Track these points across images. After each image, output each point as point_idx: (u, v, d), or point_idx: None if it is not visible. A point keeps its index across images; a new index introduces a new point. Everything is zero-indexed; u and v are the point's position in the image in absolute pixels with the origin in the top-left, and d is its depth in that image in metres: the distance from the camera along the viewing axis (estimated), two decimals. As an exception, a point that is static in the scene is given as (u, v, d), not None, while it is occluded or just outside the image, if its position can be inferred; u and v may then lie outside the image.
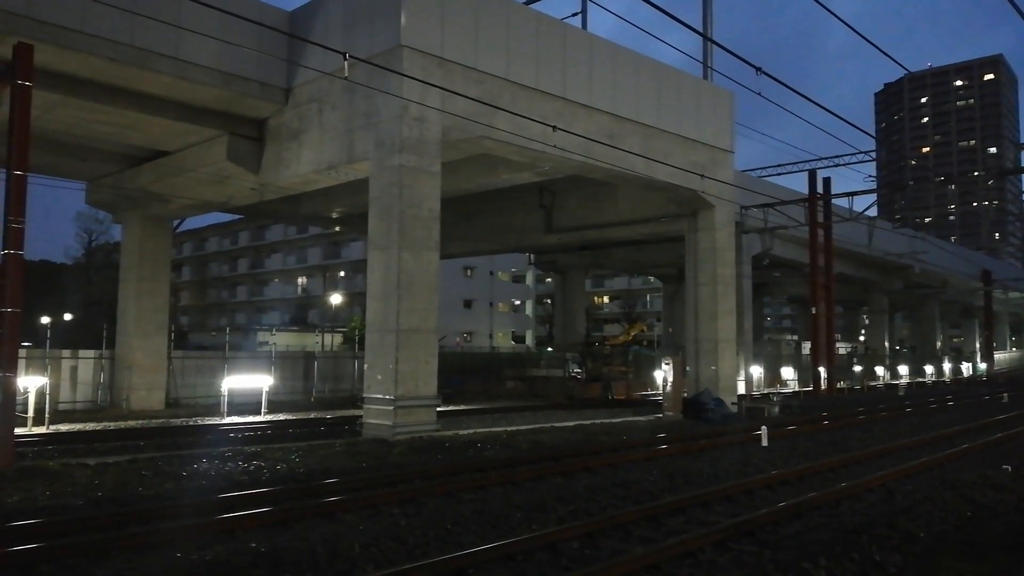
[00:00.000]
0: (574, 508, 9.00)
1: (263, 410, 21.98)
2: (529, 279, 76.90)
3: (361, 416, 17.06)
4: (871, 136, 27.68)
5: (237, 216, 49.97)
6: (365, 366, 17.18)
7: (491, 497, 9.65)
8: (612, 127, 20.34)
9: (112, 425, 19.60)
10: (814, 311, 31.63)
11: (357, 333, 34.64)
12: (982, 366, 58.48)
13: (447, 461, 12.68)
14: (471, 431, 16.93)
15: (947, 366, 53.48)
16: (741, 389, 27.29)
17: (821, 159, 46.46)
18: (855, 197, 29.59)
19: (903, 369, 44.67)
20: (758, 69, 11.55)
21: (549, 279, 64.73)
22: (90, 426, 19.30)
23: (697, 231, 24.55)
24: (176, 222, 29.34)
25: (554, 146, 16.88)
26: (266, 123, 19.84)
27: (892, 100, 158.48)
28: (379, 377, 16.25)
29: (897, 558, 7.02)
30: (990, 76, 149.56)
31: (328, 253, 70.46)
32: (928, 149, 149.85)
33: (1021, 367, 68.85)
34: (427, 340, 16.53)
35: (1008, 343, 75.97)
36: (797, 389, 35.85)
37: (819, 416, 21.57)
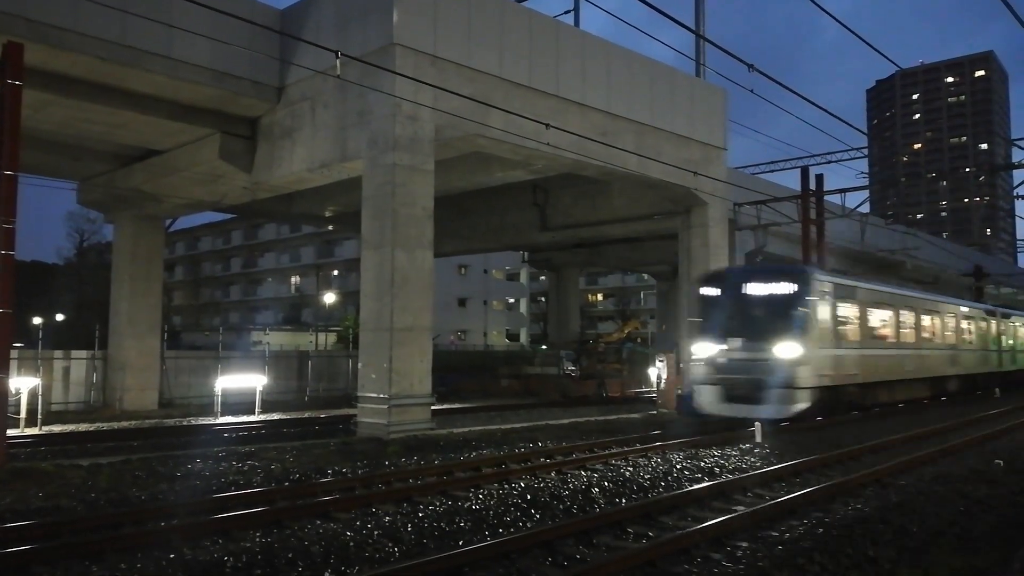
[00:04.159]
0: (569, 505, 9.01)
1: (257, 410, 21.94)
2: (523, 277, 76.94)
3: (355, 415, 17.05)
4: (863, 133, 27.74)
5: (230, 215, 49.89)
6: (359, 365, 17.17)
7: (486, 495, 9.64)
8: (605, 125, 20.35)
9: (105, 426, 19.53)
10: (807, 307, 31.69)
11: (351, 332, 34.60)
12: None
13: (442, 459, 12.68)
14: (466, 429, 16.93)
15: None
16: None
17: (814, 156, 46.46)
18: (848, 193, 29.67)
19: (896, 365, 44.73)
20: (750, 66, 11.58)
21: (543, 277, 64.75)
22: (83, 427, 19.23)
23: (691, 228, 24.60)
24: (168, 221, 29.23)
25: (548, 144, 16.88)
26: (259, 122, 19.79)
27: (884, 97, 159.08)
28: (373, 376, 16.23)
29: (891, 553, 7.05)
30: (981, 73, 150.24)
31: (321, 252, 70.32)
32: (920, 145, 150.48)
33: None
34: (421, 339, 16.52)
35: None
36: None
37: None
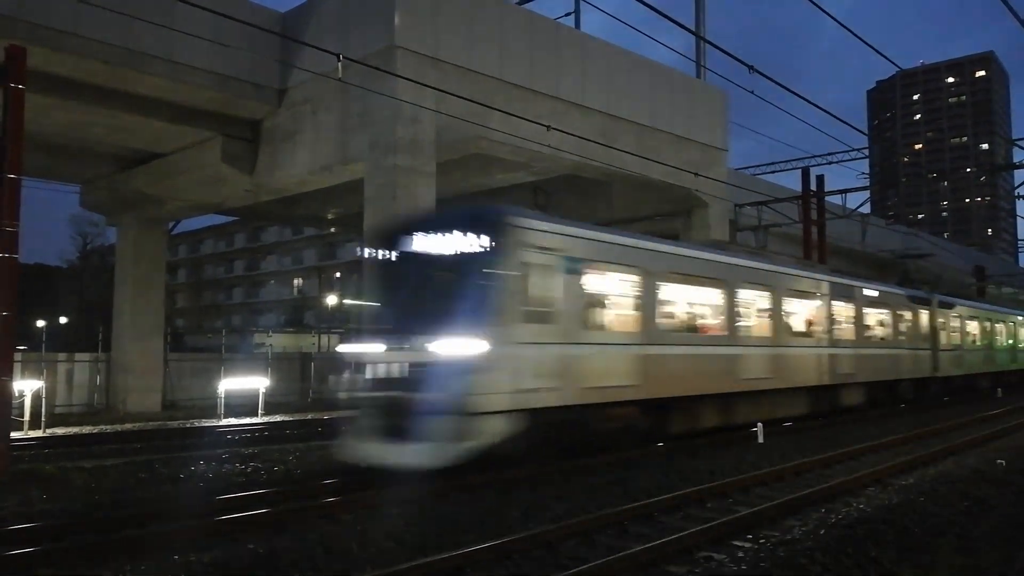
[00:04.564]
0: (571, 506, 9.02)
1: (260, 411, 21.97)
2: (524, 278, 76.71)
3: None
4: (864, 133, 27.80)
5: (232, 218, 49.97)
6: (361, 367, 17.16)
7: (488, 496, 9.66)
8: (606, 126, 20.39)
9: (108, 428, 19.57)
10: (809, 308, 31.63)
11: (353, 334, 34.61)
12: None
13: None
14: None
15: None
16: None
17: (814, 156, 46.52)
18: (848, 194, 29.74)
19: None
20: (751, 68, 11.60)
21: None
22: (86, 429, 19.27)
23: (692, 229, 24.64)
24: (171, 224, 29.29)
25: (549, 145, 16.92)
26: (260, 124, 19.84)
27: (884, 97, 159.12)
28: (375, 378, 16.22)
29: (892, 553, 7.06)
30: (981, 73, 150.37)
31: (323, 254, 70.41)
32: (920, 146, 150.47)
33: None
34: (423, 340, 16.48)
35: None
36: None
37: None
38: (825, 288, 18.55)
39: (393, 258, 11.37)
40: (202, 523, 7.98)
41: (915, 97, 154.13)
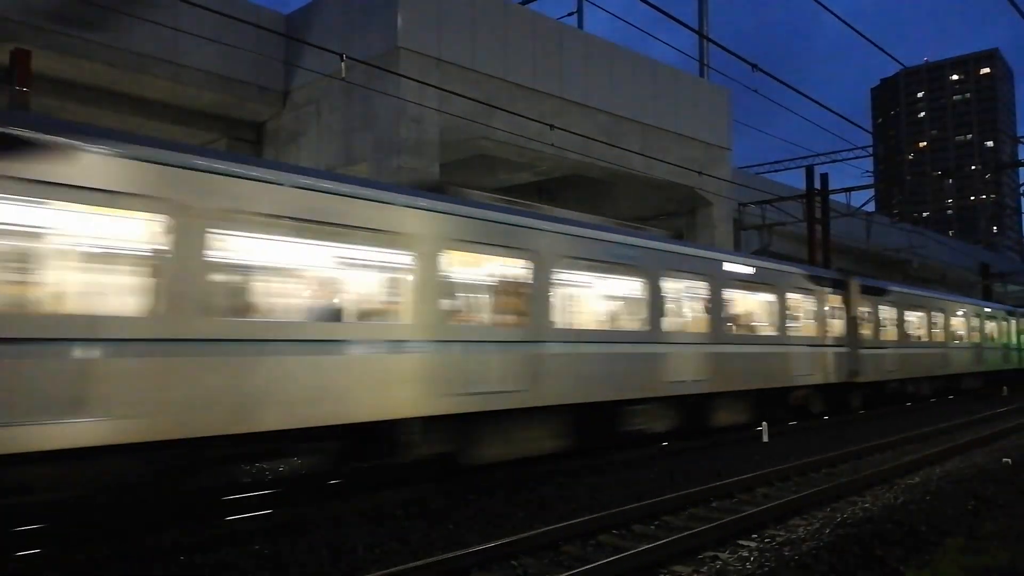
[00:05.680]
0: (576, 506, 9.02)
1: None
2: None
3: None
4: (868, 132, 27.78)
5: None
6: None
7: (492, 496, 9.66)
8: (610, 126, 20.40)
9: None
10: (813, 307, 31.52)
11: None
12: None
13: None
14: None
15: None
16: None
17: (818, 155, 46.45)
18: (853, 192, 29.68)
19: (903, 364, 44.35)
20: (754, 66, 11.60)
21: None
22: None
23: (696, 228, 24.62)
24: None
25: (552, 145, 16.93)
26: (264, 126, 19.89)
27: (888, 95, 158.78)
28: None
29: (898, 552, 7.05)
30: (986, 70, 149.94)
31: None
32: (925, 144, 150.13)
33: None
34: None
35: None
36: (797, 385, 35.66)
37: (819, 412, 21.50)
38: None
39: None
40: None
41: (919, 95, 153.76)
